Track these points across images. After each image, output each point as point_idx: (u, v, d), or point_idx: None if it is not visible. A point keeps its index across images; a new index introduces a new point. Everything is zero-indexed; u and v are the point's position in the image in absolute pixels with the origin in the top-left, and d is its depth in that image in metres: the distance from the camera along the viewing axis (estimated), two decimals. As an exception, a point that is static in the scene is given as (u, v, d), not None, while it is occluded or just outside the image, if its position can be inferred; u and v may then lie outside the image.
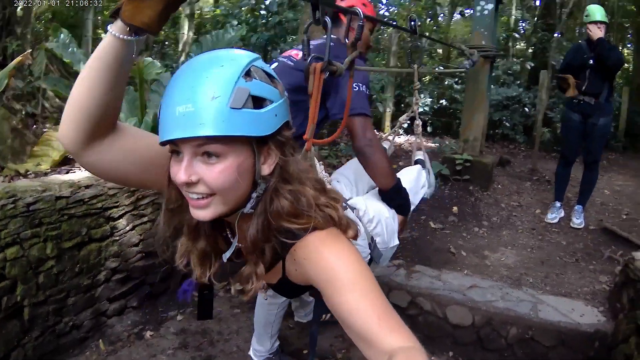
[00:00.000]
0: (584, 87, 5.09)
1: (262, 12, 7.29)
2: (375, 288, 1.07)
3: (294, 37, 7.98)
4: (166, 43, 13.49)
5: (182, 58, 8.06)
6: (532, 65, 11.45)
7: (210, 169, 1.03)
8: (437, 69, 10.39)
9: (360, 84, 2.42)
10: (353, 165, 2.78)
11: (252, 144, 1.06)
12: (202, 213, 1.08)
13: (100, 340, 3.28)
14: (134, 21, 0.98)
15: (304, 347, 3.43)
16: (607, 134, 5.56)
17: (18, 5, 5.27)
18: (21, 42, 4.76)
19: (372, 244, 2.17)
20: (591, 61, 4.98)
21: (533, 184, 7.04)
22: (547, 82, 8.46)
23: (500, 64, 10.38)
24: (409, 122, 3.54)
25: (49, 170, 3.62)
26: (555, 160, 7.59)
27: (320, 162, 2.03)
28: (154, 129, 3.87)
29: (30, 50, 4.32)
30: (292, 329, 3.64)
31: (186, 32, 10.15)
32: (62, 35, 4.34)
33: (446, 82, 11.95)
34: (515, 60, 12.01)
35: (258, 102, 1.04)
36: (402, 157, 7.65)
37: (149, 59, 4.92)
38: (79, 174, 3.32)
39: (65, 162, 3.90)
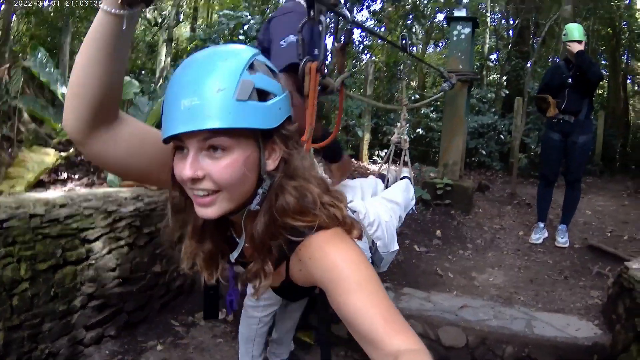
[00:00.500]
0: (563, 106, 5.14)
1: (241, 37, 7.28)
2: (381, 290, 1.06)
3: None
4: (142, 72, 13.47)
5: (160, 82, 8.01)
6: (507, 92, 11.67)
7: (217, 164, 1.01)
8: (415, 97, 10.52)
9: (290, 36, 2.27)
10: (359, 180, 2.90)
11: (257, 137, 1.05)
12: (208, 211, 1.06)
13: (77, 369, 3.09)
14: None
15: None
16: (588, 152, 5.62)
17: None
18: None
19: (373, 247, 2.12)
20: (570, 80, 5.03)
21: (514, 208, 7.06)
22: (522, 108, 8.60)
23: (475, 92, 10.55)
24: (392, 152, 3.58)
25: (24, 192, 3.47)
26: (534, 185, 7.69)
27: (320, 163, 1.98)
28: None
29: (7, 65, 4.21)
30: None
31: (163, 57, 10.15)
32: (39, 54, 4.27)
33: (422, 111, 12.08)
34: (489, 88, 12.22)
35: (262, 95, 1.03)
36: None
37: (127, 77, 4.86)
38: (54, 193, 3.19)
39: (40, 185, 3.76)
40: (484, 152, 10.37)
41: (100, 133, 1.06)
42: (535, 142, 9.59)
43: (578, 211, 5.83)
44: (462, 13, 6.63)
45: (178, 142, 1.03)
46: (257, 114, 1.01)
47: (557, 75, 5.18)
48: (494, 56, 14.26)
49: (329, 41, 2.39)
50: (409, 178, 3.21)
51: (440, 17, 15.60)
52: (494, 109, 11.18)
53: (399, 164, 3.54)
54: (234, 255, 1.24)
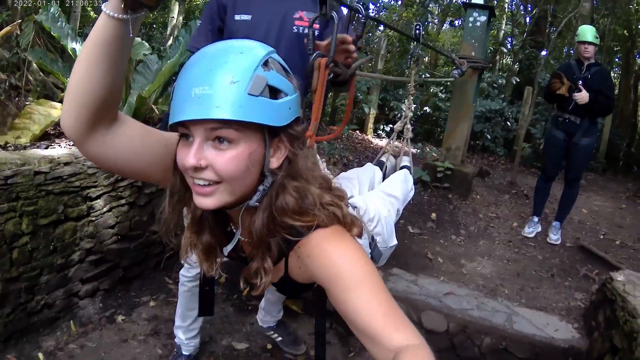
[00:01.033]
0: (570, 107, 5.09)
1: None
2: (380, 286, 1.07)
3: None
4: (154, 26, 13.32)
5: (170, 42, 7.93)
6: (517, 80, 11.57)
7: (221, 155, 1.01)
8: (425, 76, 10.41)
9: None
10: (356, 170, 2.82)
11: (264, 134, 1.05)
12: (206, 201, 1.06)
13: (72, 321, 3.20)
14: None
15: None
16: (590, 154, 5.61)
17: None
18: (11, 13, 4.64)
19: (372, 243, 2.15)
20: (580, 82, 4.97)
21: (511, 197, 7.11)
22: (532, 97, 8.56)
23: (486, 76, 10.46)
24: (393, 126, 3.55)
25: (29, 144, 3.52)
26: (535, 176, 7.70)
27: (323, 160, 2.01)
28: (137, 111, 3.77)
29: (19, 20, 4.20)
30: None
31: (175, 15, 10.00)
32: (51, 9, 4.25)
33: (431, 90, 12.00)
34: (501, 74, 12.12)
35: (274, 92, 1.03)
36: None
37: (138, 39, 4.84)
38: (59, 150, 3.23)
39: (46, 137, 3.80)
40: (488, 137, 10.34)
41: (98, 134, 1.06)
42: (541, 133, 9.56)
43: (575, 208, 5.85)
44: (479, 0, 6.55)
45: (184, 130, 1.03)
46: (267, 110, 1.01)
47: (568, 75, 5.12)
48: (508, 43, 14.05)
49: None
50: (408, 168, 3.20)
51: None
52: (503, 95, 11.10)
53: (401, 152, 3.55)
54: (227, 249, 1.24)
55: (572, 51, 12.19)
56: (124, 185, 3.53)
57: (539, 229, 5.63)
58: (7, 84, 3.93)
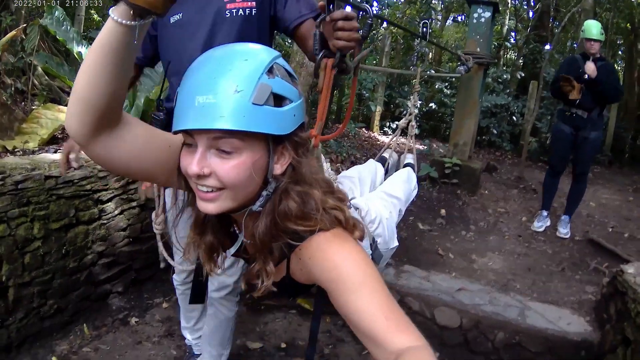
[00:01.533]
0: (577, 101, 5.06)
1: None
2: (382, 287, 1.06)
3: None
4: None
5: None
6: (522, 75, 11.53)
7: (224, 163, 1.01)
8: (431, 71, 10.41)
9: None
10: (357, 168, 2.79)
11: (268, 141, 1.04)
12: (210, 206, 1.06)
13: (85, 324, 3.21)
14: (137, 0, 0.90)
15: (293, 340, 3.40)
16: (597, 147, 5.58)
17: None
18: (15, 17, 4.65)
19: (373, 244, 2.14)
20: (586, 76, 4.92)
21: (519, 192, 7.08)
22: (537, 92, 8.53)
23: (490, 71, 10.43)
24: (398, 123, 3.54)
25: (37, 148, 3.53)
26: (542, 170, 7.67)
27: (327, 159, 1.99)
28: (145, 114, 3.77)
29: (24, 25, 4.21)
30: (280, 321, 3.60)
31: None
32: (56, 13, 4.24)
33: (436, 86, 11.98)
34: (505, 69, 12.10)
35: (278, 100, 1.02)
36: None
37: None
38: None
39: (54, 141, 3.81)
40: (495, 132, 10.32)
41: (103, 137, 1.05)
42: (547, 127, 9.52)
43: (582, 202, 5.82)
44: (483, -4, 6.53)
45: (188, 137, 1.03)
46: (271, 119, 1.00)
47: (574, 69, 5.06)
48: (512, 38, 14.01)
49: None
50: (412, 166, 3.18)
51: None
52: (508, 90, 11.06)
53: (405, 148, 3.53)
54: (231, 251, 1.25)
55: (575, 45, 12.11)
56: (135, 188, 3.54)
57: (548, 223, 5.61)
58: (13, 88, 3.95)
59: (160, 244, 2.36)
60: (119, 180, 3.38)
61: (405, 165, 3.21)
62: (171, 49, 2.08)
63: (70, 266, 3.06)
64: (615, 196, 7.45)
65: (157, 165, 1.15)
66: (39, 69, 4.52)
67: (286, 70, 1.07)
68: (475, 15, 6.40)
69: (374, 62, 11.82)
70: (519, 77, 11.56)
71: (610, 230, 5.76)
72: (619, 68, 15.05)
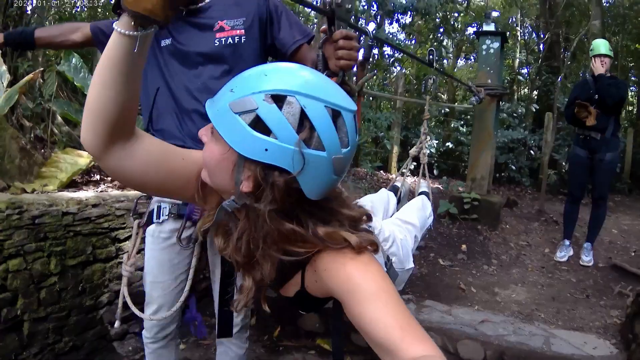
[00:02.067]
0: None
1: None
2: (397, 298, 1.05)
3: None
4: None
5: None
6: (537, 107, 11.54)
7: (208, 142, 1.09)
8: (443, 106, 10.48)
9: None
10: (370, 197, 2.80)
11: (235, 151, 1.01)
12: (203, 172, 1.13)
13: (101, 363, 3.18)
14: (137, 7, 0.94)
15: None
16: (614, 169, 5.53)
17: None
18: (32, 63, 4.81)
19: (388, 263, 2.11)
20: (597, 96, 4.96)
21: (541, 225, 6.99)
22: (552, 123, 8.51)
23: (505, 107, 10.47)
24: (415, 163, 3.55)
25: (56, 191, 3.59)
26: (562, 202, 7.58)
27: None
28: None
29: (41, 69, 4.35)
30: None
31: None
32: (73, 60, 4.39)
33: (452, 125, 12.02)
34: (520, 103, 12.12)
35: (260, 126, 0.97)
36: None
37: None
38: (87, 193, 3.30)
39: (73, 185, 3.86)
40: (513, 168, 10.26)
41: (116, 149, 1.08)
42: (565, 158, 9.45)
43: (604, 230, 5.74)
44: (490, 27, 6.63)
45: None
46: (234, 131, 0.99)
47: (585, 91, 5.11)
48: (524, 70, 14.11)
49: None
50: (426, 194, 3.16)
51: (470, 30, 15.58)
52: (524, 124, 11.07)
53: (419, 178, 3.53)
54: (206, 226, 1.24)
55: (588, 74, 12.18)
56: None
57: (571, 253, 5.51)
58: (33, 134, 4.03)
59: (125, 290, 2.19)
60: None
61: (420, 194, 3.20)
62: (160, 74, 2.08)
63: (87, 304, 3.06)
64: (636, 222, 7.34)
65: (171, 179, 1.18)
66: (58, 117, 4.64)
67: (303, 113, 0.98)
68: (484, 46, 6.47)
69: (390, 104, 11.93)
70: (533, 110, 11.57)
71: (633, 254, 5.67)
72: (632, 93, 14.98)
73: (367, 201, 2.69)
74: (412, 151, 3.58)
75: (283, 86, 0.98)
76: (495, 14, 15.07)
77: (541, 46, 13.44)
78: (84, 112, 1.07)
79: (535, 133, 10.70)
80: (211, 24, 2.03)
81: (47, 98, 4.28)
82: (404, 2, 8.78)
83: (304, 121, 0.98)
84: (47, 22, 5.95)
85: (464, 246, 5.79)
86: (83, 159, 3.95)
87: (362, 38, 2.07)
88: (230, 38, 2.03)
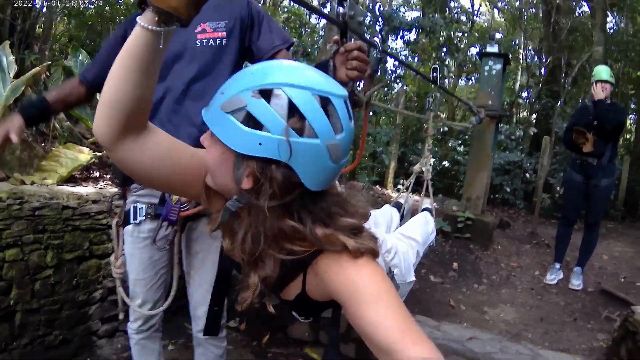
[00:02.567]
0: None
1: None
2: (398, 301, 1.07)
3: None
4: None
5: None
6: (535, 131, 11.61)
7: (209, 146, 1.11)
8: (444, 123, 10.54)
9: None
10: (372, 212, 2.80)
11: (233, 150, 1.04)
12: (207, 177, 1.16)
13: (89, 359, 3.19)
14: (162, 4, 0.97)
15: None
16: (609, 196, 5.57)
17: (37, 22, 5.39)
18: (39, 56, 4.83)
19: (389, 274, 2.13)
20: (595, 122, 5.01)
21: (533, 247, 7.03)
22: (549, 148, 8.57)
23: (503, 129, 10.54)
24: (412, 181, 3.58)
25: (55, 184, 3.61)
26: (555, 226, 7.61)
27: (342, 185, 1.98)
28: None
29: (48, 62, 4.37)
30: None
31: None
32: (80, 56, 4.39)
33: (450, 144, 12.09)
34: (519, 126, 12.21)
35: (251, 121, 1.00)
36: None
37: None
38: (87, 189, 3.32)
39: (72, 180, 3.88)
40: (508, 190, 10.30)
41: (127, 140, 1.10)
42: (560, 183, 9.51)
43: (595, 255, 5.79)
44: (494, 49, 6.70)
45: None
46: (228, 130, 1.02)
47: (584, 116, 5.16)
48: (525, 94, 14.23)
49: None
50: (429, 210, 3.18)
51: (473, 50, 15.72)
52: (521, 147, 11.13)
53: (422, 195, 3.55)
54: (217, 224, 1.22)
55: (588, 100, 12.28)
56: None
57: (561, 276, 5.54)
58: (34, 128, 4.05)
59: (121, 290, 2.31)
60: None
61: (423, 210, 3.22)
62: None
63: (80, 299, 3.08)
64: (628, 248, 7.39)
65: (178, 176, 1.20)
66: (61, 113, 4.65)
67: (291, 103, 1.01)
68: (487, 67, 6.54)
69: (390, 119, 12.01)
70: (532, 133, 11.63)
71: (623, 280, 5.71)
72: (631, 122, 15.06)
73: (370, 217, 2.71)
74: (416, 167, 3.61)
75: (269, 80, 1.01)
76: (498, 35, 15.25)
77: (542, 70, 13.55)
78: (99, 104, 1.08)
79: (532, 156, 10.74)
80: (194, 25, 2.02)
81: (52, 92, 4.29)
82: (410, 19, 8.89)
83: (293, 111, 1.00)
84: (56, 18, 5.99)
85: (455, 264, 5.83)
86: (84, 154, 3.97)
87: (375, 52, 2.09)
88: (212, 40, 2.07)
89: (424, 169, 3.63)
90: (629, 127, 15.06)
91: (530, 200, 10.14)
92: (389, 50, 9.98)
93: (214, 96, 1.08)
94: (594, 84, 5.16)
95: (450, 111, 14.67)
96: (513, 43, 15.41)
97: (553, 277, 5.52)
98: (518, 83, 13.82)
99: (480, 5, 19.02)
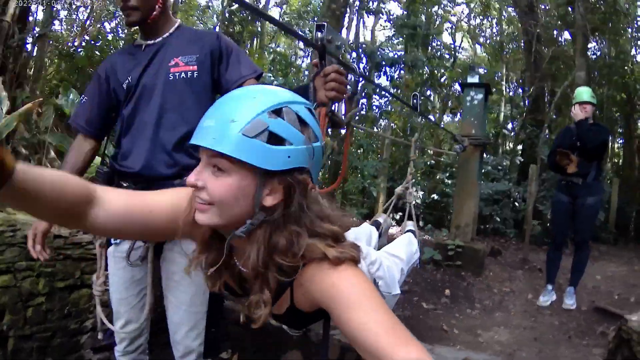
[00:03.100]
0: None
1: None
2: (382, 304, 1.10)
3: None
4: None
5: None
6: (522, 160, 11.75)
7: (214, 180, 1.12)
8: (427, 149, 10.69)
9: None
10: (353, 229, 2.85)
11: (257, 172, 1.11)
12: (200, 217, 1.16)
13: (81, 389, 3.15)
14: None
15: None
16: (596, 214, 5.61)
17: (28, 63, 5.49)
18: (30, 95, 4.90)
19: (374, 285, 2.16)
20: (578, 143, 5.12)
21: (525, 272, 7.06)
22: (536, 175, 8.68)
23: (490, 159, 10.68)
24: (393, 202, 3.64)
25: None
26: (546, 252, 7.68)
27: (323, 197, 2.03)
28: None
29: (40, 99, 4.44)
30: None
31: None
32: (71, 95, 4.49)
33: (438, 177, 12.21)
34: (505, 156, 12.37)
35: (276, 139, 1.10)
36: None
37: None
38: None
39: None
40: (498, 219, 10.38)
41: (83, 219, 1.18)
42: (549, 209, 9.59)
43: (588, 276, 5.82)
44: (475, 79, 6.89)
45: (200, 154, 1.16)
46: (258, 152, 1.08)
47: (568, 137, 5.28)
48: (510, 125, 14.42)
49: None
50: (413, 232, 3.23)
51: (457, 87, 15.99)
52: (508, 177, 11.26)
53: (405, 217, 3.60)
54: (211, 270, 1.27)
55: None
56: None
57: (554, 298, 5.55)
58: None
59: (99, 308, 2.34)
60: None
61: (406, 232, 3.26)
62: (127, 110, 2.22)
63: (72, 327, 3.06)
64: (621, 268, 7.46)
65: (145, 230, 1.29)
66: (51, 151, 4.71)
67: (298, 116, 1.15)
68: (468, 98, 6.71)
69: (378, 155, 12.13)
70: (518, 162, 11.78)
71: (617, 297, 5.75)
72: (619, 145, 15.16)
73: (351, 233, 2.74)
74: (398, 189, 3.67)
75: (275, 100, 1.13)
76: (481, 70, 15.57)
77: (526, 101, 13.77)
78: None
79: (520, 185, 10.87)
80: (168, 59, 2.20)
81: (43, 130, 4.36)
82: (393, 55, 9.11)
83: (301, 123, 1.15)
84: (46, 58, 6.11)
85: (447, 291, 5.83)
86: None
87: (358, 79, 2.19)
88: (183, 73, 2.18)
89: (407, 192, 3.69)
90: (617, 150, 15.24)
91: (521, 228, 10.20)
92: (372, 87, 10.25)
93: (213, 128, 1.10)
94: (574, 106, 5.29)
95: (436, 144, 14.84)
96: (496, 76, 15.72)
97: (546, 298, 5.53)
98: (502, 114, 14.05)
99: (462, 41, 19.55)
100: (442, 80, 14.89)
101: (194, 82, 2.19)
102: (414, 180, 3.62)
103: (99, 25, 9.13)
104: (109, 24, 10.26)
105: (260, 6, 14.46)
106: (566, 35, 13.89)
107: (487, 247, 8.18)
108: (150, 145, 2.12)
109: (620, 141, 15.44)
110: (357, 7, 13.13)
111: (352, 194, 10.92)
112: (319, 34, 1.88)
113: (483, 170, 8.93)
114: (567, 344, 4.32)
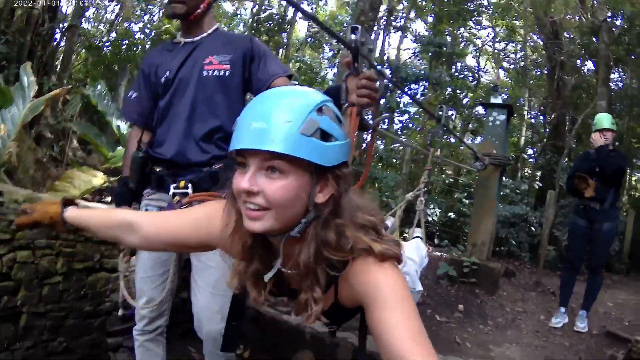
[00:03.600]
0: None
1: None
2: (415, 313, 1.14)
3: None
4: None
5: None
6: (540, 185, 11.65)
7: (272, 183, 1.11)
8: (446, 160, 10.65)
9: None
10: None
11: (312, 170, 1.13)
12: (255, 224, 1.14)
13: (89, 372, 3.18)
14: None
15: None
16: (612, 239, 5.57)
17: (56, 52, 5.61)
18: (57, 83, 5.00)
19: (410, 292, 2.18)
20: (597, 168, 5.11)
21: (538, 295, 7.00)
22: (554, 201, 8.62)
23: (509, 182, 10.61)
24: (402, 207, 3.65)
25: (70, 198, 3.68)
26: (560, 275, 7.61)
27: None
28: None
29: (69, 87, 4.53)
30: None
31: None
32: (99, 86, 4.57)
33: (455, 196, 12.15)
34: (524, 180, 12.28)
35: (325, 136, 1.13)
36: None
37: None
38: (102, 205, 3.39)
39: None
40: (513, 242, 10.29)
41: (126, 243, 1.61)
42: (565, 235, 9.50)
43: (599, 302, 5.77)
44: (498, 100, 6.90)
45: (241, 159, 1.14)
46: (315, 150, 1.10)
47: (586, 162, 5.27)
48: (530, 151, 14.35)
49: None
50: (420, 238, 3.24)
51: (480, 110, 15.96)
52: (526, 201, 11.17)
53: (414, 224, 3.60)
54: (268, 276, 1.25)
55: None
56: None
57: (566, 320, 5.50)
58: (48, 154, 4.17)
59: (122, 283, 2.43)
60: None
61: (414, 238, 3.26)
62: (164, 102, 2.37)
63: (86, 309, 3.11)
64: (632, 296, 7.39)
65: (180, 247, 1.70)
66: (74, 140, 4.79)
67: (335, 113, 1.19)
68: (491, 118, 6.72)
69: (397, 171, 12.13)
70: (536, 187, 11.68)
71: (627, 323, 5.68)
72: (637, 178, 15.00)
73: None
74: (409, 195, 3.67)
75: (317, 99, 1.17)
76: (503, 95, 15.52)
77: (547, 128, 13.68)
78: None
79: (536, 210, 10.78)
80: (203, 57, 2.33)
81: (68, 117, 4.44)
82: (418, 72, 9.15)
83: (338, 119, 1.19)
84: (74, 51, 6.24)
85: (461, 306, 5.79)
86: (97, 178, 4.07)
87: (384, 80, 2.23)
88: (216, 71, 2.32)
89: (418, 200, 3.68)
90: (634, 183, 15.06)
91: (536, 253, 10.09)
92: (396, 102, 10.29)
93: (264, 129, 1.10)
94: (594, 133, 5.27)
95: (455, 168, 14.77)
96: (518, 102, 15.67)
97: (558, 320, 5.47)
98: (523, 139, 13.98)
99: (486, 64, 19.54)
100: (465, 102, 14.87)
101: (225, 81, 2.31)
102: (426, 189, 3.61)
103: (125, 25, 9.34)
104: (136, 25, 10.54)
105: (288, 19, 14.66)
106: (589, 64, 13.90)
107: (502, 267, 8.13)
108: (183, 135, 2.26)
109: (638, 174, 15.27)
110: (384, 23, 13.22)
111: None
112: (353, 36, 1.91)
113: (501, 193, 8.87)
114: (577, 364, 4.27)
